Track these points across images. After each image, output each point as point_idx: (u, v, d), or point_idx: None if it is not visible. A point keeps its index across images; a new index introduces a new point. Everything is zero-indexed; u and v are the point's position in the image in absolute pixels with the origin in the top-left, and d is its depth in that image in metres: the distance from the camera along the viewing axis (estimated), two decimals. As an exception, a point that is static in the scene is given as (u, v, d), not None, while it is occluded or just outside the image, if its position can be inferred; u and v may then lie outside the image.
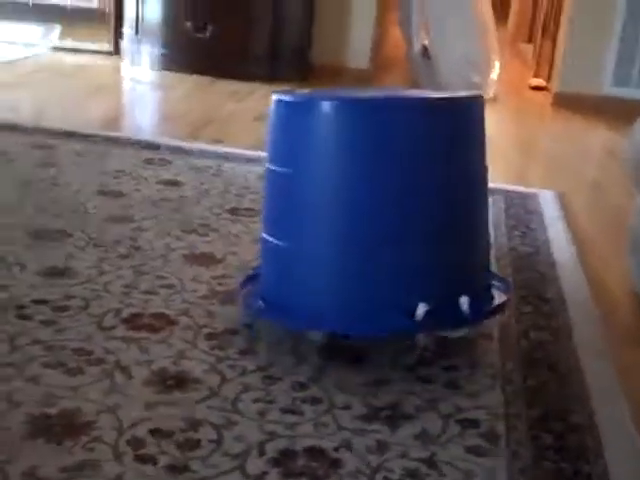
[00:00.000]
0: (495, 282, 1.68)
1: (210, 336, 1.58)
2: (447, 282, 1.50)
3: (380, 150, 1.43)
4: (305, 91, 1.68)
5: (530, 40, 6.79)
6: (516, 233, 2.34)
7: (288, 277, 1.55)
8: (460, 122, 1.50)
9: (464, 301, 1.48)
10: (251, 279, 1.74)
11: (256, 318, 1.62)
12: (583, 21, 4.43)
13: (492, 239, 2.26)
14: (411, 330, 1.50)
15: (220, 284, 1.82)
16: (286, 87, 4.24)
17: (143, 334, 1.56)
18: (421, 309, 1.44)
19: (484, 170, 1.59)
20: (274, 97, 1.56)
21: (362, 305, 1.47)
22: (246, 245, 2.07)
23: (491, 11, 4.81)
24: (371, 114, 1.45)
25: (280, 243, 1.55)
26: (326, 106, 1.45)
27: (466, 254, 1.54)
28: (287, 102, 1.53)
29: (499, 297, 1.62)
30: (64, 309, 1.62)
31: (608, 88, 4.44)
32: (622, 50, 4.40)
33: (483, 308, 1.56)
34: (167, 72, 4.44)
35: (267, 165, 1.58)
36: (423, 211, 1.46)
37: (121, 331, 1.56)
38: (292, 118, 1.51)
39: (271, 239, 1.58)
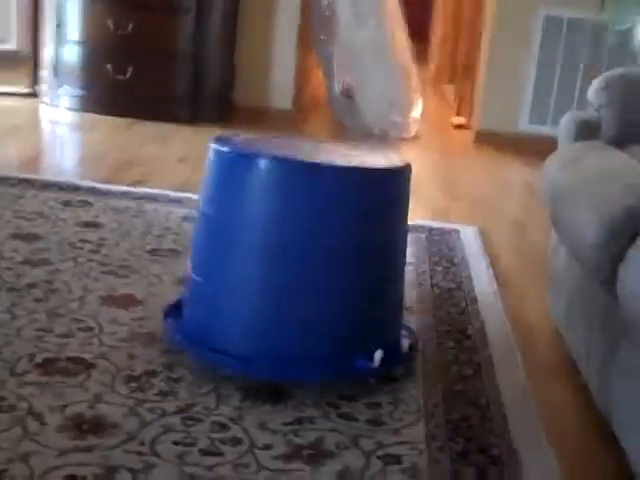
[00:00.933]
0: (403, 331, 1.76)
1: (129, 378, 1.54)
2: (357, 335, 1.60)
3: (310, 210, 1.54)
4: (239, 138, 1.73)
5: (452, 81, 6.96)
6: (438, 269, 2.37)
7: (213, 315, 1.61)
8: (385, 190, 1.61)
9: (377, 355, 1.58)
10: (173, 310, 1.76)
11: (177, 356, 1.60)
12: (500, 64, 4.57)
13: (414, 275, 2.28)
14: (324, 377, 1.60)
15: (140, 326, 1.79)
16: (209, 129, 4.24)
17: (58, 379, 1.51)
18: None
19: (403, 234, 1.69)
20: (212, 146, 1.64)
21: (281, 352, 1.56)
22: (167, 286, 2.04)
23: (409, 53, 4.92)
24: (303, 175, 1.55)
25: (207, 282, 1.62)
26: (262, 162, 1.54)
27: (380, 310, 1.64)
28: (224, 153, 1.61)
29: (405, 345, 1.71)
30: (-25, 355, 1.57)
31: (525, 125, 4.57)
32: (537, 90, 4.54)
33: (392, 358, 1.65)
34: (87, 114, 4.39)
35: (200, 207, 1.65)
36: (337, 267, 1.56)
37: (34, 376, 1.51)
38: (228, 168, 1.60)
39: (198, 278, 1.63)
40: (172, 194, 2.90)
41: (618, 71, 2.04)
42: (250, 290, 1.56)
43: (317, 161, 1.60)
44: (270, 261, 1.56)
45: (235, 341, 1.58)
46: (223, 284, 1.59)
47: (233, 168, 1.59)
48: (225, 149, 1.61)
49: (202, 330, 1.62)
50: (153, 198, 2.84)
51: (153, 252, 2.30)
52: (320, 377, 1.59)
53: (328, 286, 1.55)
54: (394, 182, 1.63)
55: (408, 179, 1.66)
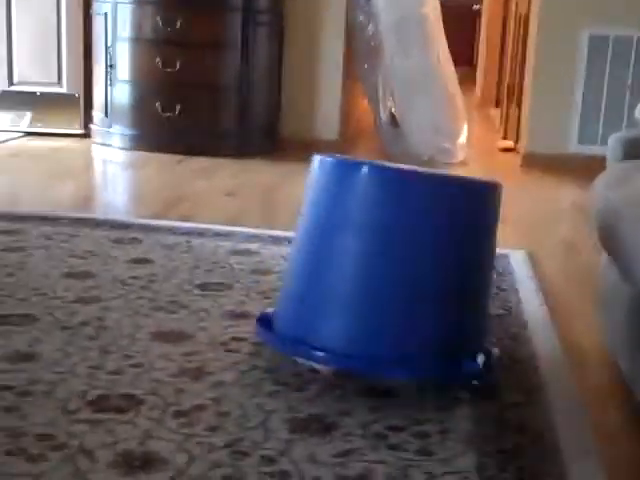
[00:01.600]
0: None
1: (178, 414, 1.55)
2: (455, 340, 1.71)
3: (414, 218, 1.65)
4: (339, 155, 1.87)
5: (497, 105, 6.94)
6: (487, 295, 2.35)
7: (315, 319, 1.71)
8: (484, 203, 1.72)
9: (480, 358, 1.68)
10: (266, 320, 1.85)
11: (225, 390, 1.61)
12: (546, 84, 4.54)
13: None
14: (431, 377, 1.72)
15: (189, 361, 1.80)
16: (255, 162, 4.29)
17: (109, 415, 1.53)
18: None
19: (494, 248, 1.79)
20: (317, 158, 1.75)
21: (384, 351, 1.66)
22: (216, 320, 2.06)
23: (454, 78, 4.91)
24: (407, 184, 1.66)
25: (309, 288, 1.73)
26: (372, 171, 1.66)
27: (476, 317, 1.75)
28: (329, 162, 1.71)
29: (496, 353, 1.79)
30: (28, 394, 1.60)
31: (574, 146, 4.53)
32: (585, 110, 4.50)
33: (490, 363, 1.73)
34: (137, 152, 4.48)
35: (301, 218, 1.78)
36: (439, 272, 1.67)
37: (86, 414, 1.53)
38: (334, 175, 1.70)
39: (300, 285, 1.74)
40: (219, 228, 2.93)
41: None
42: (353, 293, 1.66)
43: (420, 171, 1.74)
44: (373, 265, 1.65)
45: (337, 342, 1.66)
46: (325, 289, 1.69)
47: (343, 175, 1.68)
48: (330, 159, 1.71)
49: (302, 333, 1.71)
50: (201, 233, 2.88)
51: (202, 287, 2.32)
52: (427, 376, 1.70)
53: (430, 290, 1.65)
54: (492, 196, 1.72)
55: (500, 195, 1.75)
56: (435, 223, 1.65)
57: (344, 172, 1.68)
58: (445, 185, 1.69)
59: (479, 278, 1.74)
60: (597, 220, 1.85)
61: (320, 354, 1.67)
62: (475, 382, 1.69)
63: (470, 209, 1.69)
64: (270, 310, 1.91)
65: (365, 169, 1.65)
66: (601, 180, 1.92)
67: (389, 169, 1.70)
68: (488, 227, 1.74)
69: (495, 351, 1.75)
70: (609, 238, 1.74)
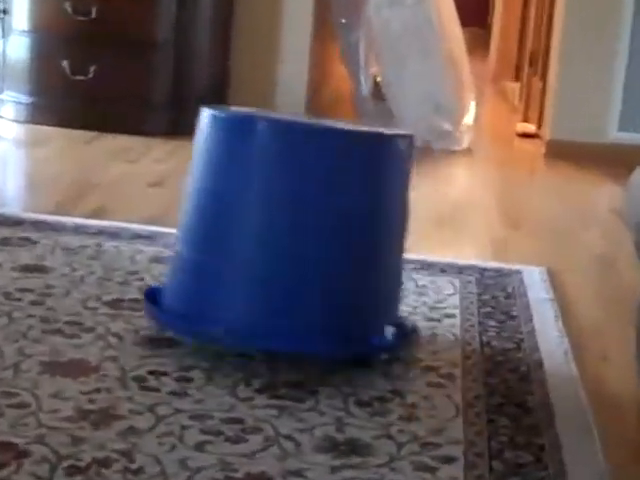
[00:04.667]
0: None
1: (73, 470, 1.55)
2: (362, 308, 2.06)
3: (303, 174, 2.00)
4: (232, 108, 2.38)
5: (517, 78, 7.00)
6: (491, 324, 2.37)
7: (215, 291, 2.04)
8: (380, 157, 2.03)
9: (388, 330, 2.04)
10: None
11: (137, 439, 1.60)
12: (579, 55, 4.58)
13: (458, 331, 2.28)
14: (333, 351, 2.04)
15: (91, 401, 1.80)
16: (192, 144, 4.28)
17: (-21, 470, 1.52)
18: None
19: (403, 206, 2.10)
20: (206, 112, 2.07)
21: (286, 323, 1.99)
22: (129, 348, 2.06)
23: (461, 41, 4.95)
24: (297, 138, 2.02)
25: (205, 258, 2.05)
26: (260, 125, 1.98)
27: (385, 283, 2.11)
28: (221, 118, 2.06)
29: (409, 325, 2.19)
30: None
31: (614, 134, 4.57)
32: (629, 88, 4.54)
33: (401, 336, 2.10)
34: (35, 126, 4.45)
35: (192, 184, 2.10)
36: (324, 235, 2.01)
37: (-52, 468, 1.52)
38: (226, 134, 2.05)
39: (196, 256, 2.07)
40: (139, 228, 2.94)
41: None
42: (252, 262, 2.00)
43: (311, 124, 2.11)
44: (273, 232, 2.00)
45: (239, 315, 2.00)
46: (225, 258, 2.02)
47: (231, 133, 2.03)
48: (222, 114, 2.05)
49: (200, 308, 2.04)
50: (115, 234, 2.87)
51: (113, 304, 2.31)
52: (330, 351, 2.01)
53: (322, 253, 2.00)
54: (390, 149, 2.04)
55: (408, 150, 2.06)
56: (325, 179, 2.00)
57: (237, 128, 2.03)
58: (334, 138, 2.04)
59: (384, 241, 2.07)
60: (636, 228, 1.87)
61: (217, 331, 1.96)
62: (385, 355, 1.96)
63: (366, 164, 2.01)
64: (160, 284, 2.23)
65: (260, 124, 1.97)
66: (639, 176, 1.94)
67: (284, 122, 2.07)
68: (393, 182, 2.05)
69: (409, 322, 2.10)
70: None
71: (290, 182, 1.99)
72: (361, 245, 2.02)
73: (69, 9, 4.40)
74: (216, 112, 2.06)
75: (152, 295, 2.16)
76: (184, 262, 2.09)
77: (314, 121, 2.31)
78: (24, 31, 4.52)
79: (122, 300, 2.34)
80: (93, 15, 4.39)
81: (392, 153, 2.04)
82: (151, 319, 2.14)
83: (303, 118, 2.39)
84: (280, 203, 1.99)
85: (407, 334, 2.12)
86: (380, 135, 2.11)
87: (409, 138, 2.07)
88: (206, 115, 2.07)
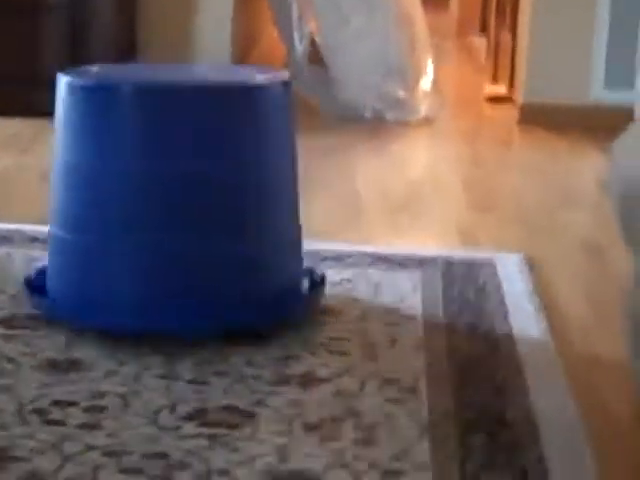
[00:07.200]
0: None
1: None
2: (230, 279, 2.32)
3: (165, 138, 2.24)
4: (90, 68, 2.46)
5: (483, 30, 7.04)
6: (460, 325, 2.38)
7: (88, 272, 2.30)
8: (240, 109, 2.27)
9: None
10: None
11: None
12: (555, 3, 4.62)
13: (422, 334, 2.30)
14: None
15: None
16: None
17: None
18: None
19: (287, 160, 2.35)
20: (63, 79, 2.28)
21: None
22: (28, 374, 2.05)
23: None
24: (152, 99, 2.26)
25: (74, 238, 2.29)
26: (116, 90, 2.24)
27: (255, 248, 2.35)
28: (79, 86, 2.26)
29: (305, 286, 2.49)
30: None
31: (597, 92, 4.60)
32: (614, 37, 4.58)
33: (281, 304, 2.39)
34: None
35: (57, 157, 2.31)
36: (192, 196, 2.25)
37: None
38: (84, 105, 2.26)
39: (63, 235, 2.31)
40: (34, 229, 2.93)
41: None
42: (123, 239, 2.25)
43: (172, 81, 2.32)
44: (132, 200, 2.24)
45: (119, 295, 2.28)
46: (95, 237, 2.26)
47: (87, 102, 2.24)
48: (76, 81, 2.25)
49: (77, 290, 2.31)
50: (6, 238, 2.87)
51: (6, 323, 2.31)
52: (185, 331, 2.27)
53: (189, 217, 2.25)
54: (255, 99, 2.28)
55: (280, 96, 2.31)
56: (186, 141, 2.24)
57: (92, 95, 2.24)
58: (193, 96, 2.25)
59: (268, 199, 2.32)
60: (620, 203, 1.89)
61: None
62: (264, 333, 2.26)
63: (235, 119, 2.26)
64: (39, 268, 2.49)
65: (123, 88, 2.23)
66: (624, 141, 1.96)
67: (139, 85, 2.26)
68: (270, 133, 2.30)
69: (304, 283, 2.44)
70: (631, 230, 1.78)
71: (152, 149, 2.24)
72: (242, 207, 2.29)
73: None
74: (71, 78, 2.27)
75: (36, 282, 2.42)
76: (56, 243, 2.34)
77: (183, 71, 2.57)
78: None
79: (17, 318, 2.34)
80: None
81: (264, 103, 2.30)
82: (33, 307, 2.36)
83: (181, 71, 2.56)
84: (144, 172, 2.24)
85: (316, 284, 2.47)
86: (245, 85, 2.29)
87: (284, 83, 2.32)
88: (62, 82, 2.28)
